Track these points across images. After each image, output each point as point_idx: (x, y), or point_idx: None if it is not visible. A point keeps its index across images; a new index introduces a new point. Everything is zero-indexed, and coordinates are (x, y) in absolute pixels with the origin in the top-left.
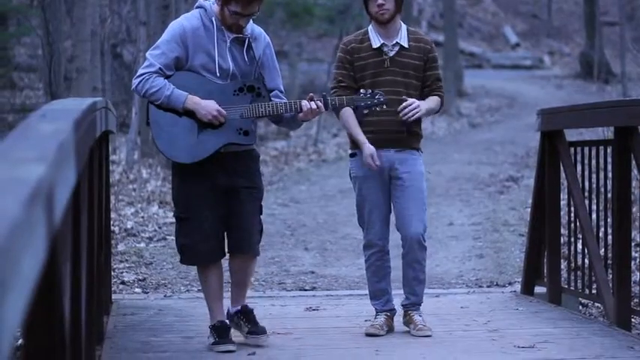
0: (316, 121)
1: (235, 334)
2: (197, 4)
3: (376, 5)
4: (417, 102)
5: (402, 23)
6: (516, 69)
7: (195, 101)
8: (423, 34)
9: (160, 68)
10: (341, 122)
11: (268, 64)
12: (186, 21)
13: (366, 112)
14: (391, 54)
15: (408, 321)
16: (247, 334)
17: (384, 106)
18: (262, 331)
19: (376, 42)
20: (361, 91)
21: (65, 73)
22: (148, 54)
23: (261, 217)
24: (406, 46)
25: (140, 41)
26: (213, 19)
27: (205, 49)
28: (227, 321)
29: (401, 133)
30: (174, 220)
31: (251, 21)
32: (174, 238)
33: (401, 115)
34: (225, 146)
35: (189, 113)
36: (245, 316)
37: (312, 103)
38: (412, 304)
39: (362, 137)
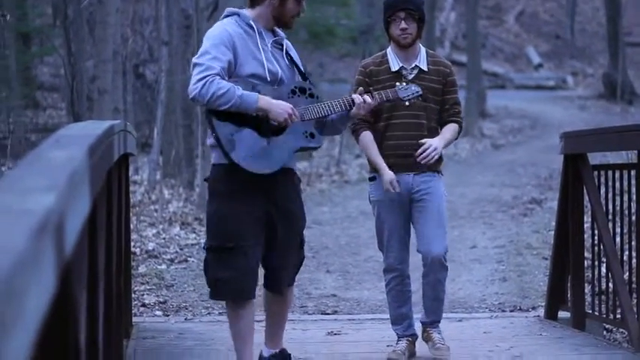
0: (339, 142)
1: None
2: (226, 12)
3: (399, 29)
4: (433, 143)
5: (422, 46)
6: (539, 89)
7: (267, 99)
8: (441, 57)
9: (222, 69)
10: (360, 147)
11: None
12: (228, 26)
13: (407, 104)
14: (410, 77)
15: (426, 337)
16: None
17: (420, 98)
18: None
19: (395, 65)
20: (397, 84)
21: (87, 93)
22: (197, 60)
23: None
24: (425, 69)
25: (162, 61)
26: (252, 22)
27: (253, 55)
28: None
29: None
30: (204, 249)
31: None
32: (200, 263)
33: (419, 160)
34: (298, 151)
35: (249, 120)
36: None
37: (366, 96)
38: (431, 322)
39: (381, 162)
